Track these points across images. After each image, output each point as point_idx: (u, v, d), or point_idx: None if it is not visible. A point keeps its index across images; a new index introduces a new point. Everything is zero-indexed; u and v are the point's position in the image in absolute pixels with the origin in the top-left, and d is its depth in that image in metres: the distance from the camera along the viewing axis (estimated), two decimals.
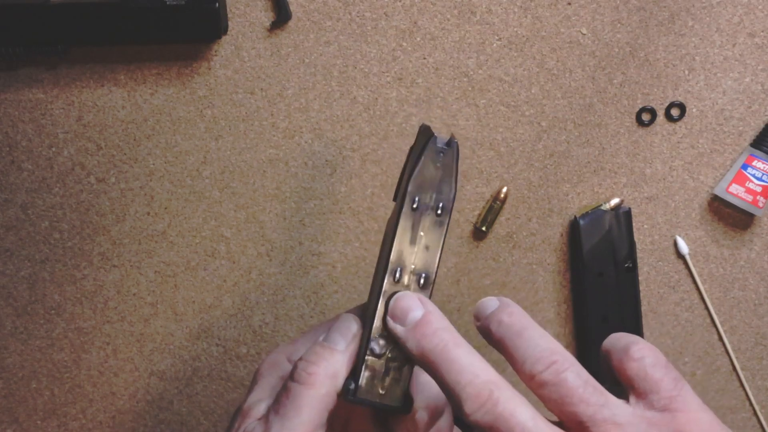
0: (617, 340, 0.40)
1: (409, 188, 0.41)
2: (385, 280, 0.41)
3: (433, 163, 0.42)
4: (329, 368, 0.40)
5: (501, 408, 0.35)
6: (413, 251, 0.41)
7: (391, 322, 0.40)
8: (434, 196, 0.42)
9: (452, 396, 0.36)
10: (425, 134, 0.42)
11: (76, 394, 0.68)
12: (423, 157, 0.41)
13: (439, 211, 0.42)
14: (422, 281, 0.41)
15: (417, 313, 0.39)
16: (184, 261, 0.66)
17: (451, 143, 0.42)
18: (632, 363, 0.38)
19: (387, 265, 0.41)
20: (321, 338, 0.42)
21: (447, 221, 0.42)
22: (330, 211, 0.66)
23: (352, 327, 0.42)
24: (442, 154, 0.42)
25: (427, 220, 0.42)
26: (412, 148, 0.44)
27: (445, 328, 0.39)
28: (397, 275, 0.41)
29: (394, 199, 0.45)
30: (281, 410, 0.39)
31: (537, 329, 0.38)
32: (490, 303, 0.40)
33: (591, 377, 0.37)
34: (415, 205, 0.41)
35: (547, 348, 0.37)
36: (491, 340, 0.39)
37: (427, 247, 0.42)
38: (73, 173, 0.65)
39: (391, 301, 0.40)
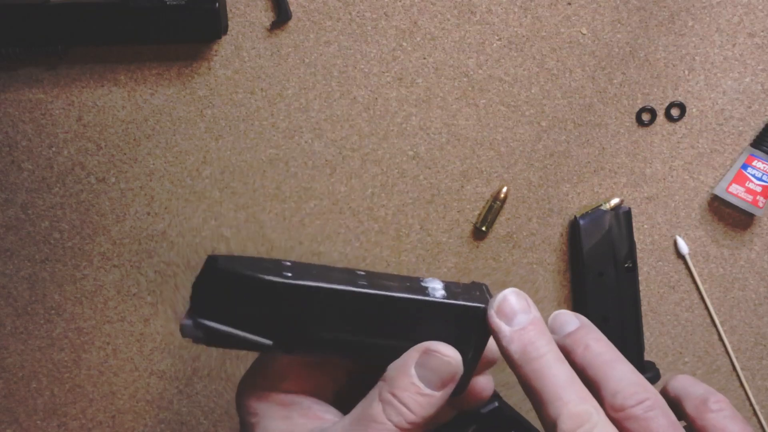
0: (690, 386, 0.40)
1: None
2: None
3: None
4: (427, 418, 0.38)
5: None
6: None
7: (495, 319, 0.38)
8: None
9: (545, 411, 0.36)
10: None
11: (76, 394, 0.68)
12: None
13: None
14: None
15: (526, 316, 0.38)
16: (184, 261, 0.66)
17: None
18: (710, 414, 0.38)
19: None
20: (414, 372, 0.37)
21: None
22: (330, 211, 0.66)
23: (456, 371, 0.38)
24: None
25: None
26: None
27: (550, 340, 0.38)
28: None
29: None
30: None
31: (627, 362, 0.38)
32: (569, 320, 0.39)
33: (676, 419, 0.37)
34: None
35: (639, 384, 0.37)
36: (573, 360, 0.38)
37: None
38: (73, 173, 0.65)
39: (499, 296, 0.38)
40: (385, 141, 0.65)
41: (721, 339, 0.70)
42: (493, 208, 0.66)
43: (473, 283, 0.41)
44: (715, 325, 0.70)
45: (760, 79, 0.66)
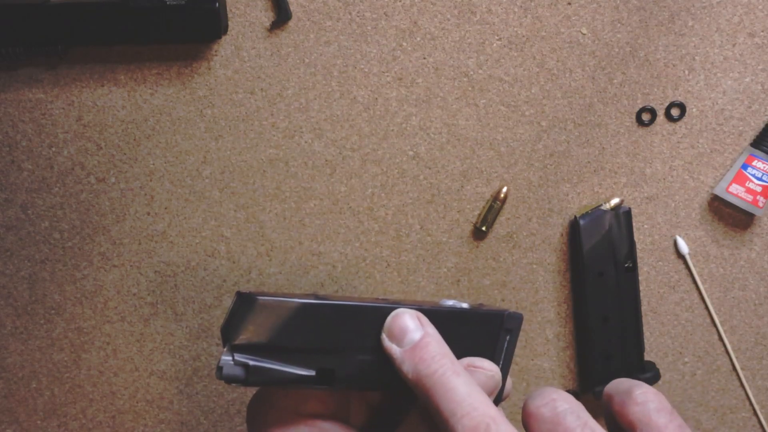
0: (619, 383, 0.38)
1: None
2: None
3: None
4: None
5: None
6: None
7: (386, 341, 0.37)
8: None
9: (446, 426, 0.34)
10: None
11: (76, 394, 0.68)
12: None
13: None
14: None
15: (415, 334, 0.37)
16: (184, 261, 0.66)
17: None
18: (635, 407, 0.36)
19: None
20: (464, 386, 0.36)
21: None
22: (330, 211, 0.66)
23: (498, 384, 0.38)
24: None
25: None
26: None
27: (445, 354, 0.36)
28: None
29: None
30: None
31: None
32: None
33: (589, 419, 0.36)
34: None
35: (548, 391, 0.37)
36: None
37: None
38: (73, 173, 0.65)
39: (388, 318, 0.37)
40: (385, 141, 0.65)
41: (721, 339, 0.70)
42: (493, 208, 0.66)
43: (481, 304, 0.42)
44: (715, 325, 0.70)
45: (760, 79, 0.66)
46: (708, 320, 0.70)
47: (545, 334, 0.68)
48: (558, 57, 0.65)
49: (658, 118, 0.66)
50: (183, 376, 0.68)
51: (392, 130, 0.65)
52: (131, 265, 0.66)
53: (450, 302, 0.40)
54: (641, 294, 0.68)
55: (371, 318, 0.37)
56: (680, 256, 0.68)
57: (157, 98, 0.64)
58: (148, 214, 0.66)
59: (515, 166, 0.66)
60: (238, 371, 0.35)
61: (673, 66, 0.65)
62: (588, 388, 0.68)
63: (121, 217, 0.65)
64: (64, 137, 0.64)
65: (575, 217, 0.66)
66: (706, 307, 0.69)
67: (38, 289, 0.66)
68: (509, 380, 0.41)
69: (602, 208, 0.66)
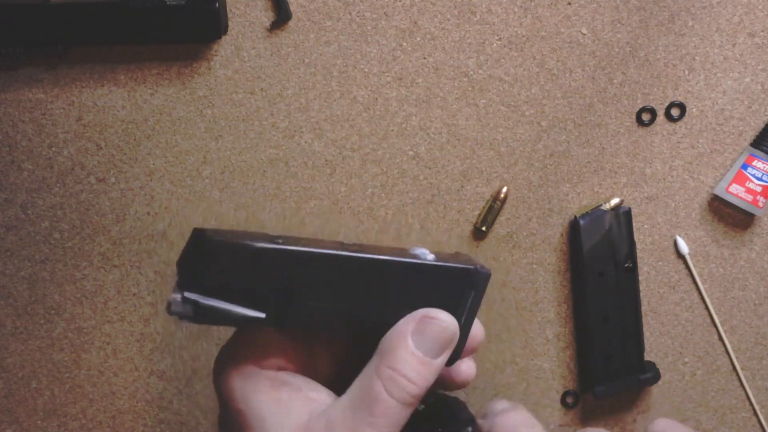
0: (672, 428, 0.38)
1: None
2: None
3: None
4: (428, 387, 0.36)
5: None
6: None
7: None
8: None
9: None
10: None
11: (76, 394, 0.68)
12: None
13: None
14: None
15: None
16: None
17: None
18: None
19: None
20: (411, 342, 0.36)
21: None
22: (330, 211, 0.66)
23: (454, 336, 0.37)
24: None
25: None
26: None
27: None
28: None
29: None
30: (377, 422, 0.34)
31: None
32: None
33: None
34: None
35: None
36: None
37: None
38: (73, 173, 0.65)
39: (500, 415, 0.37)
40: (385, 141, 0.65)
41: (721, 339, 0.70)
42: (493, 208, 0.66)
43: (457, 253, 0.40)
44: (715, 325, 0.70)
45: (760, 79, 0.66)
46: (708, 320, 0.70)
47: (545, 334, 0.68)
48: (558, 57, 0.65)
49: (658, 118, 0.66)
50: (183, 376, 0.68)
51: (392, 130, 0.65)
52: (131, 265, 0.66)
53: (419, 250, 0.38)
54: (641, 294, 0.68)
55: (331, 266, 0.36)
56: (680, 256, 0.68)
57: (157, 98, 0.64)
58: (148, 214, 0.66)
59: (515, 166, 0.66)
60: (188, 309, 0.34)
61: (673, 66, 0.65)
62: (588, 388, 0.67)
63: (121, 217, 0.65)
64: (64, 137, 0.64)
65: (575, 217, 0.66)
66: (706, 307, 0.69)
67: (38, 289, 0.66)
68: (479, 330, 0.40)
69: (602, 208, 0.66)
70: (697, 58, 0.65)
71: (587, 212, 0.66)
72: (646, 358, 0.69)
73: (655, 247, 0.68)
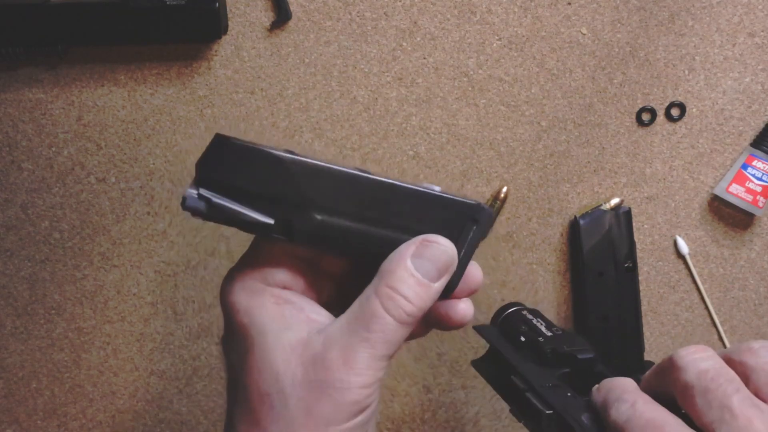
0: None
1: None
2: None
3: None
4: (424, 309, 0.37)
5: None
6: None
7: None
8: None
9: None
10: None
11: (76, 394, 0.68)
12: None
13: None
14: None
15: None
16: (184, 261, 0.66)
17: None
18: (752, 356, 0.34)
19: None
20: (410, 263, 0.37)
21: None
22: None
23: (452, 261, 0.38)
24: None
25: None
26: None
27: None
28: None
29: None
30: (372, 338, 0.36)
31: None
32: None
33: None
34: None
35: None
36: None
37: None
38: (73, 173, 0.65)
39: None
40: (385, 141, 0.65)
41: (721, 339, 0.70)
42: (493, 208, 0.66)
43: (465, 196, 0.42)
44: (715, 325, 0.70)
45: (760, 79, 0.66)
46: (708, 320, 0.70)
47: None
48: (558, 57, 0.65)
49: (658, 118, 0.66)
50: (183, 376, 0.68)
51: (392, 130, 0.65)
52: (131, 265, 0.66)
53: (428, 185, 0.40)
54: (641, 294, 0.68)
55: (343, 183, 0.37)
56: (680, 256, 0.68)
57: (157, 98, 0.64)
58: (148, 213, 0.66)
59: (515, 166, 0.66)
60: (201, 205, 0.36)
61: (673, 66, 0.65)
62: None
63: (121, 217, 0.65)
64: (64, 137, 0.64)
65: (575, 217, 0.66)
66: (706, 307, 0.69)
67: (38, 289, 0.66)
68: (478, 271, 0.41)
69: (602, 208, 0.66)
70: (697, 58, 0.65)
71: (587, 212, 0.66)
72: (646, 358, 0.69)
73: (655, 247, 0.68)
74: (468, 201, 0.39)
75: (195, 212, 0.36)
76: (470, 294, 0.41)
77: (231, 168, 0.36)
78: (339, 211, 0.37)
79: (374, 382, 0.36)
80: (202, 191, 0.36)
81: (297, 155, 0.36)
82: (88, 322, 0.67)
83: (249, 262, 0.39)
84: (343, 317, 0.37)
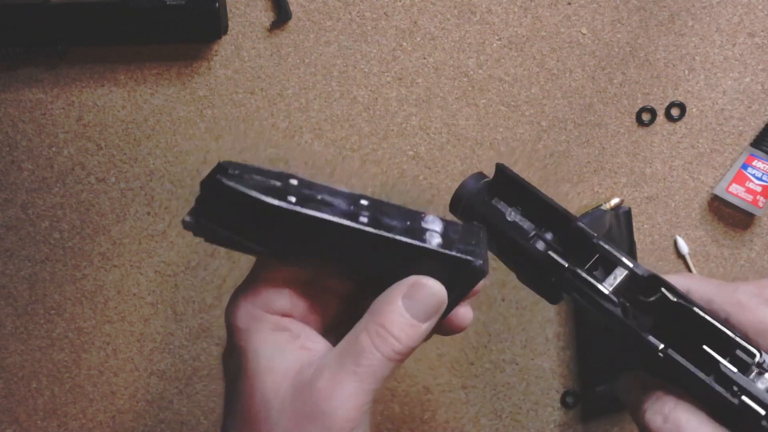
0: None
1: None
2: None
3: None
4: (413, 348, 0.39)
5: None
6: None
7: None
8: None
9: None
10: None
11: (76, 394, 0.68)
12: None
13: None
14: None
15: None
16: (184, 261, 0.66)
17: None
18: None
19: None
20: (401, 304, 0.38)
21: None
22: None
23: (441, 305, 0.40)
24: None
25: None
26: None
27: None
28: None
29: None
30: (360, 372, 0.37)
31: None
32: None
33: None
34: None
35: None
36: None
37: None
38: (73, 173, 0.65)
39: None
40: (385, 141, 0.65)
41: None
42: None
43: (473, 225, 0.43)
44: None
45: (760, 79, 0.66)
46: None
47: (545, 334, 0.68)
48: (558, 57, 0.65)
49: (658, 118, 0.66)
50: (183, 376, 0.68)
51: (392, 130, 0.65)
52: (131, 265, 0.66)
53: (429, 220, 0.41)
54: None
55: (337, 235, 0.38)
56: (680, 256, 0.68)
57: (157, 98, 0.64)
58: (148, 214, 0.66)
59: (515, 166, 0.66)
60: (197, 229, 0.38)
61: (673, 66, 0.65)
62: (588, 388, 0.67)
63: (121, 217, 0.65)
64: (64, 137, 0.64)
65: (575, 217, 0.66)
66: None
67: (38, 289, 0.66)
68: (468, 313, 0.43)
69: (602, 208, 0.66)
70: (697, 58, 0.65)
71: (587, 212, 0.66)
72: None
73: (655, 247, 0.68)
74: (463, 258, 0.40)
75: (194, 234, 0.38)
76: (459, 332, 0.43)
77: (227, 204, 0.37)
78: (332, 255, 0.38)
79: (360, 415, 0.37)
80: (200, 219, 0.37)
81: (291, 201, 0.37)
82: (88, 322, 0.67)
83: (252, 285, 0.40)
84: (335, 350, 0.39)
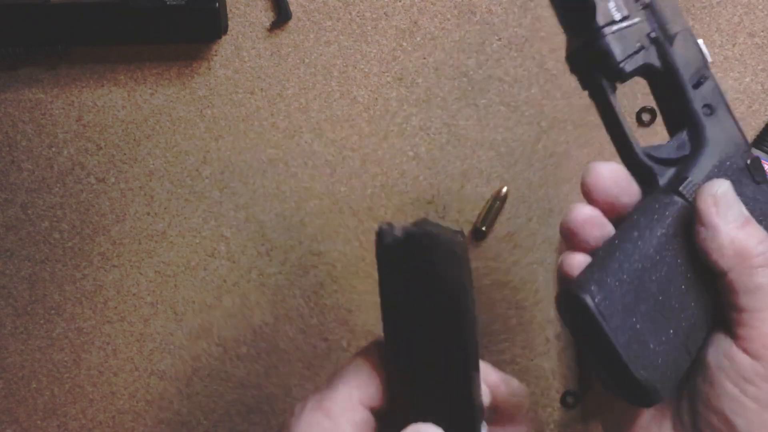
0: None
1: None
2: None
3: None
4: None
5: None
6: None
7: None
8: None
9: None
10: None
11: (76, 394, 0.68)
12: None
13: None
14: None
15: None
16: (184, 261, 0.66)
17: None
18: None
19: None
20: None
21: None
22: (330, 211, 0.66)
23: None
24: None
25: None
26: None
27: None
28: None
29: None
30: None
31: None
32: None
33: None
34: None
35: None
36: None
37: None
38: (73, 173, 0.65)
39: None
40: (385, 141, 0.65)
41: None
42: (493, 208, 0.66)
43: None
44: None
45: (760, 79, 0.66)
46: None
47: (545, 334, 0.68)
48: (558, 57, 0.65)
49: (658, 118, 0.66)
50: (183, 376, 0.68)
51: (392, 130, 0.65)
52: (131, 265, 0.66)
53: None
54: None
55: None
56: None
57: (157, 98, 0.64)
58: (148, 214, 0.66)
59: (515, 166, 0.66)
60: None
61: None
62: (588, 388, 0.67)
63: (121, 217, 0.65)
64: (64, 137, 0.64)
65: None
66: None
67: (38, 289, 0.66)
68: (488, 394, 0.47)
69: None
70: None
71: None
72: None
73: None
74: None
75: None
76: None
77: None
78: None
79: None
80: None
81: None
82: (88, 322, 0.67)
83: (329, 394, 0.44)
84: None
